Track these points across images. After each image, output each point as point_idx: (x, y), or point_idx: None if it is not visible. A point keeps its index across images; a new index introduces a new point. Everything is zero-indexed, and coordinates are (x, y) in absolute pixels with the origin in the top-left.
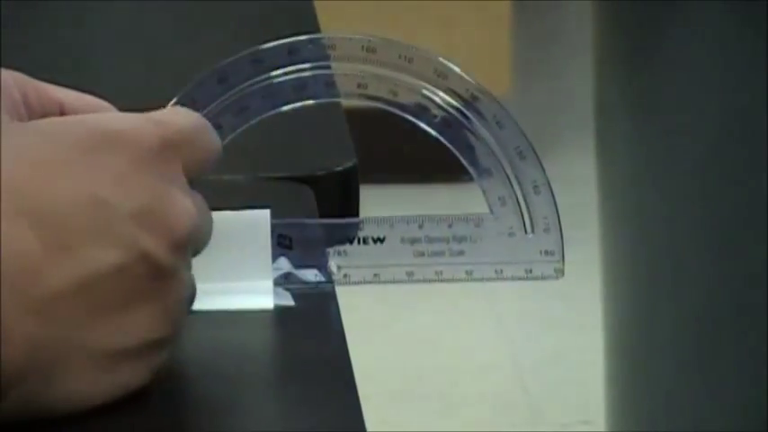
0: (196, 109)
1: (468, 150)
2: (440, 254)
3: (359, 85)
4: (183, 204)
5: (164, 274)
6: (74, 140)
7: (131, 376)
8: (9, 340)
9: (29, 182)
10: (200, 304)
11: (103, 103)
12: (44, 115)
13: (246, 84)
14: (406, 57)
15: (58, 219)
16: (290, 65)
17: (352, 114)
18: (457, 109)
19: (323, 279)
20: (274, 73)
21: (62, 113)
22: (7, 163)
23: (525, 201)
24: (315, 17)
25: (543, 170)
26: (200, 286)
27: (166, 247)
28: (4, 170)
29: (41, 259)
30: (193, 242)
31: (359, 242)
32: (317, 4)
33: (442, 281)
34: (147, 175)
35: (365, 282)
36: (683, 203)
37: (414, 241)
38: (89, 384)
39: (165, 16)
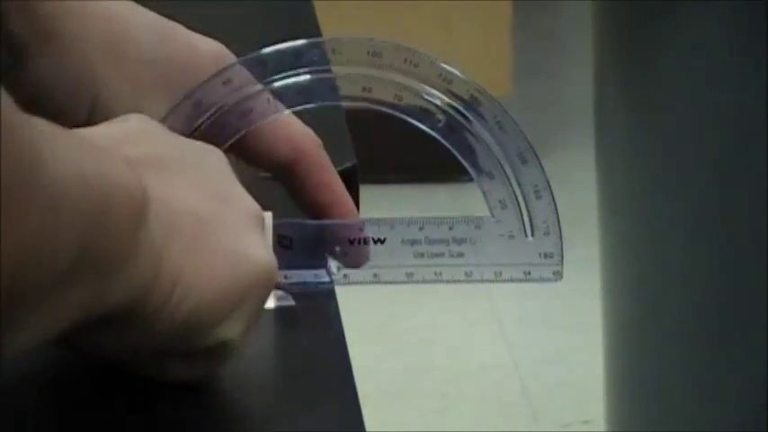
0: (200, 110)
1: (470, 153)
2: (440, 255)
3: (363, 89)
4: (248, 197)
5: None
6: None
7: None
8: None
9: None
10: None
11: None
12: None
13: (251, 86)
14: (411, 61)
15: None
16: (293, 69)
17: (353, 115)
18: (458, 111)
19: (323, 279)
20: (278, 77)
21: None
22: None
23: (526, 204)
24: (315, 18)
25: (544, 174)
26: None
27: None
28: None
29: (128, 134)
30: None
31: (359, 243)
32: (317, 5)
33: (441, 282)
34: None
35: (365, 282)
36: (683, 203)
37: (414, 242)
38: (212, 276)
39: (164, 17)
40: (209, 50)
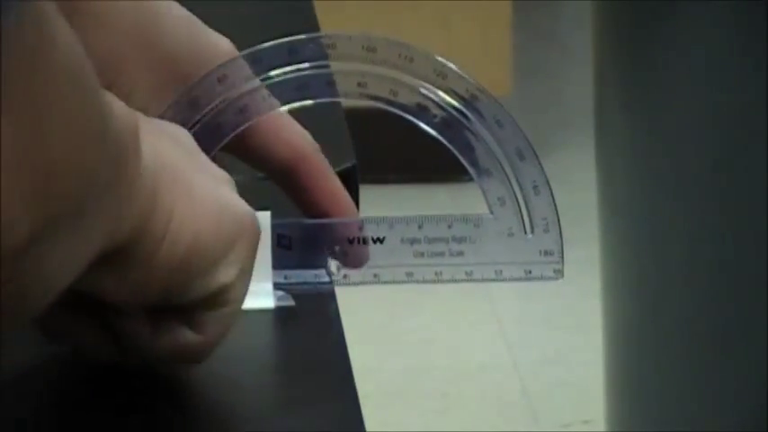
0: (196, 108)
1: (468, 150)
2: (439, 254)
3: (359, 84)
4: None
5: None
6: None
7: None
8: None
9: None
10: None
11: None
12: None
13: (247, 83)
14: (406, 56)
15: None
16: (289, 64)
17: (352, 114)
18: (457, 109)
19: (323, 279)
20: (274, 72)
21: None
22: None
23: (525, 201)
24: (315, 17)
25: (543, 170)
26: None
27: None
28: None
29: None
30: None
31: (358, 242)
32: (316, 4)
33: (441, 281)
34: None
35: (365, 282)
36: (683, 203)
37: (413, 241)
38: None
39: None
40: (227, 52)
